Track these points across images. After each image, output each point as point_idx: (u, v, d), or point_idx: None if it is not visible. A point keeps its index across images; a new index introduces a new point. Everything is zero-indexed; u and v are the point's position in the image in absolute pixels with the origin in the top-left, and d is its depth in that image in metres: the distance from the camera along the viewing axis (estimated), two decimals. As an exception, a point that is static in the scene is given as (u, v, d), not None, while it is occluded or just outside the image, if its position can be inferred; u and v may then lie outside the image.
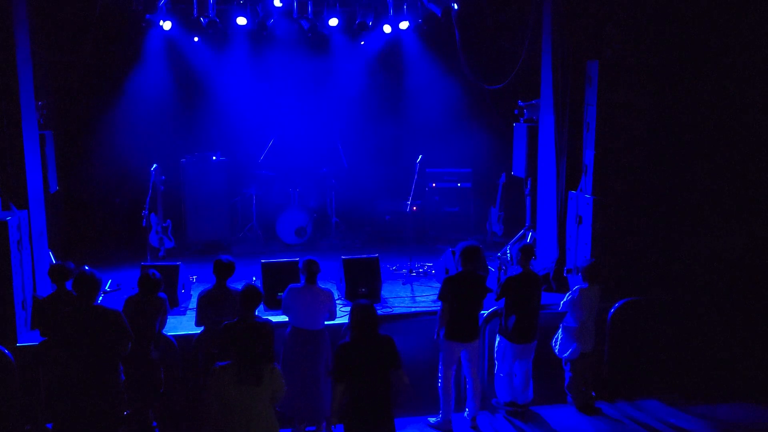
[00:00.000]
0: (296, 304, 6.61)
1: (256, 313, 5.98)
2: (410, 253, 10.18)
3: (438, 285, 7.56)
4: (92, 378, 5.62)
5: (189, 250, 11.21)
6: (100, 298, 6.14)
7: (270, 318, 6.47)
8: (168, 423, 6.86)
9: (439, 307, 6.97)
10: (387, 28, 11.68)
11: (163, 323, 6.62)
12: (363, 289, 8.62)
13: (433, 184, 12.28)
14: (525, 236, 10.34)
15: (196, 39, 11.76)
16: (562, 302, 7.40)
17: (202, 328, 6.76)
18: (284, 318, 6.79)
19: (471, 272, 6.94)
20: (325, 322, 6.75)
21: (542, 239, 9.45)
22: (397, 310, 8.30)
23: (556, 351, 7.45)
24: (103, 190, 11.81)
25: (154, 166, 9.71)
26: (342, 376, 5.36)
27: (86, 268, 5.89)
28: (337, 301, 7.52)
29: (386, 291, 8.99)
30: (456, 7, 10.93)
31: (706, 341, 8.00)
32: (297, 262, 7.15)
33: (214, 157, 11.48)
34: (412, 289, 9.30)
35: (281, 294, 6.96)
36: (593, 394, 7.58)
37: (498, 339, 7.34)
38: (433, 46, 12.59)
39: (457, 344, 6.90)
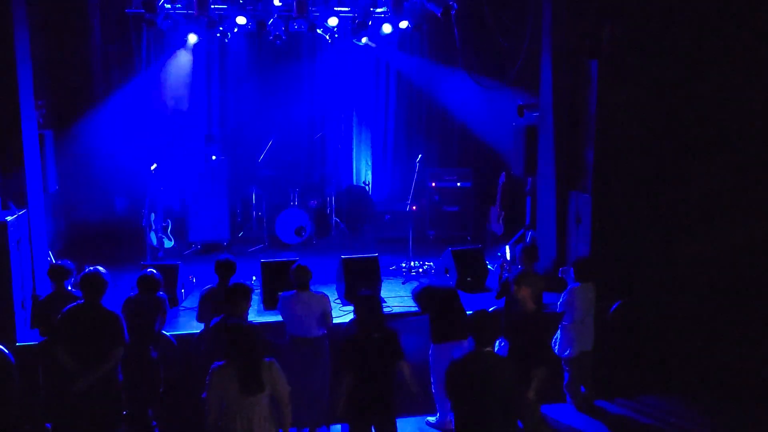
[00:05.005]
0: (288, 313, 6.55)
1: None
2: (410, 253, 10.18)
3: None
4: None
5: (189, 250, 11.21)
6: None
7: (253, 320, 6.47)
8: (168, 423, 6.85)
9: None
10: (387, 28, 11.66)
11: (163, 323, 6.62)
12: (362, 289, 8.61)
13: (433, 184, 12.25)
14: (524, 236, 10.32)
15: (195, 39, 11.75)
16: (558, 303, 7.38)
17: (201, 327, 6.77)
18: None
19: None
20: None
21: (542, 239, 9.44)
22: (396, 310, 8.30)
23: (556, 351, 7.44)
24: (103, 190, 11.81)
25: (154, 165, 9.71)
26: (347, 370, 5.36)
27: (86, 267, 5.89)
28: (336, 302, 7.51)
29: (386, 291, 8.97)
30: (456, 6, 10.92)
31: (706, 341, 7.99)
32: (296, 261, 7.12)
33: (214, 157, 11.48)
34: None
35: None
36: (593, 393, 7.58)
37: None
38: (433, 46, 12.57)
39: (445, 344, 6.75)
